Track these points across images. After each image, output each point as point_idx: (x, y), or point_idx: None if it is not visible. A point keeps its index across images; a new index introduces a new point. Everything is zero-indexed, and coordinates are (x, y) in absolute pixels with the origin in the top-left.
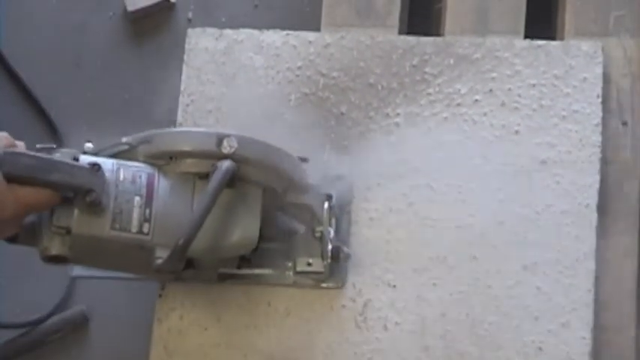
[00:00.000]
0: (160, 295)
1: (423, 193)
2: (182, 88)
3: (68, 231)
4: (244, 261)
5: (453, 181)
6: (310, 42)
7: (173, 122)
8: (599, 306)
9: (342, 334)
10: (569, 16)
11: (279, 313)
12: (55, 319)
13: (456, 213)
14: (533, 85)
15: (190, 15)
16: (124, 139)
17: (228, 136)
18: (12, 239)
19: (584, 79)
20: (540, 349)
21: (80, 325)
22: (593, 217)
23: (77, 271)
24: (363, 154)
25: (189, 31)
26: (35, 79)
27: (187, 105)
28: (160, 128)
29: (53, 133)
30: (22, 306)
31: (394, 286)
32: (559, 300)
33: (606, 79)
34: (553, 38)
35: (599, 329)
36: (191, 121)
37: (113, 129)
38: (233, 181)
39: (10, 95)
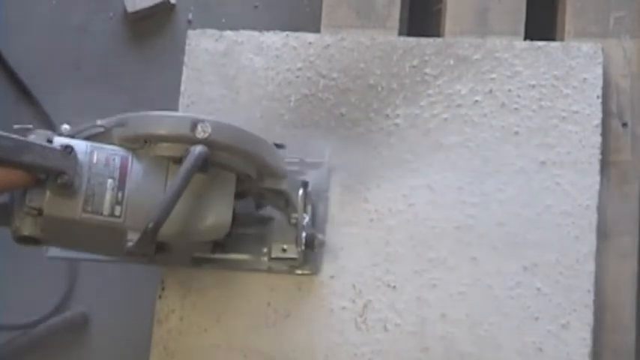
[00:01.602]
0: (160, 297)
1: (423, 194)
2: (182, 89)
3: (40, 212)
4: (218, 246)
5: (452, 183)
6: (310, 43)
7: None
8: (599, 306)
9: (342, 335)
10: (569, 17)
11: (279, 314)
12: (55, 320)
13: (456, 214)
14: (533, 86)
15: (190, 16)
16: (99, 122)
17: (202, 121)
18: None
19: (584, 80)
20: (540, 349)
21: (80, 326)
22: (593, 217)
23: (52, 252)
24: (362, 155)
25: (190, 32)
26: (35, 79)
27: (187, 106)
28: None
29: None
30: (22, 307)
31: (394, 287)
32: (559, 301)
33: (606, 79)
34: (553, 39)
35: (599, 330)
36: None
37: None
38: (206, 165)
39: (10, 95)
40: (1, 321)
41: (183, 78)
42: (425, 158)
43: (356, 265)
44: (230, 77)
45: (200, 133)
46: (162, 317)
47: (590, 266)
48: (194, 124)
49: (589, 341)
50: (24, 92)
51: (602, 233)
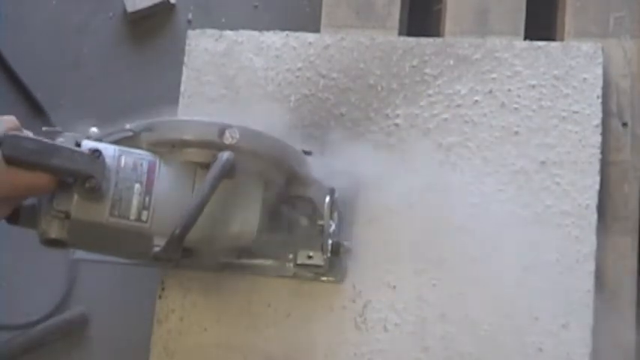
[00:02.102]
0: (160, 297)
1: (423, 194)
2: (182, 89)
3: (67, 215)
4: (244, 251)
5: (452, 183)
6: (310, 43)
7: None
8: (599, 306)
9: (342, 334)
10: (569, 17)
11: (280, 314)
12: (54, 320)
13: (455, 214)
14: (533, 86)
15: (190, 16)
16: (127, 126)
17: (230, 127)
18: (13, 221)
19: (584, 79)
20: (540, 349)
21: (80, 326)
22: (593, 217)
23: (79, 254)
24: (362, 155)
25: (189, 32)
26: (35, 79)
27: (187, 106)
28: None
29: None
30: (22, 307)
31: (394, 286)
32: (559, 301)
33: (606, 79)
34: (553, 39)
35: (599, 329)
36: None
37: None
38: (233, 172)
39: (10, 95)
40: (1, 321)
41: (183, 78)
42: (425, 158)
43: (356, 264)
44: (230, 77)
45: (228, 139)
46: (162, 317)
47: (590, 266)
48: (222, 130)
49: (589, 341)
50: (24, 92)
51: (602, 233)
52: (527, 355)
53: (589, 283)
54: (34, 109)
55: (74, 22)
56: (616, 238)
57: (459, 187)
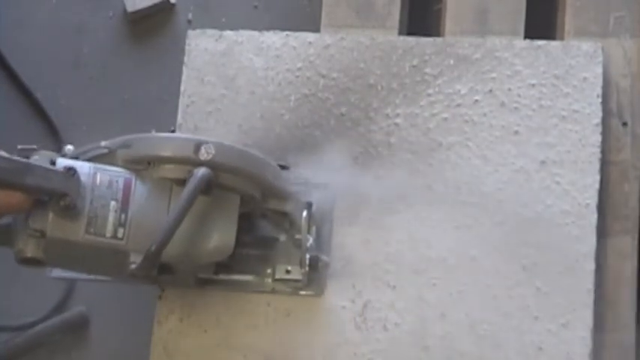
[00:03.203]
0: (160, 298)
1: (423, 193)
2: (182, 89)
3: (43, 234)
4: (222, 267)
5: (452, 182)
6: (310, 43)
7: (173, 123)
8: (599, 306)
9: (342, 334)
10: (569, 16)
11: (279, 314)
12: (54, 320)
13: (455, 213)
14: (533, 86)
15: (190, 16)
16: (102, 143)
17: (206, 142)
18: None
19: (584, 79)
20: (540, 349)
21: (80, 326)
22: (593, 217)
23: (56, 272)
24: (362, 155)
25: (189, 32)
26: (35, 79)
27: (187, 106)
28: (142, 133)
29: (53, 133)
30: (22, 307)
31: (394, 286)
32: (559, 300)
33: (606, 79)
34: (553, 38)
35: (599, 329)
36: (191, 122)
37: (113, 129)
38: (209, 188)
39: (10, 95)
40: (1, 321)
41: (183, 78)
42: (425, 158)
43: (356, 264)
44: (230, 77)
45: (204, 155)
46: (161, 318)
47: (590, 266)
48: (197, 146)
49: (589, 341)
50: (24, 92)
51: (602, 233)
52: (527, 354)
53: (589, 283)
54: (34, 109)
55: (74, 21)
56: (616, 238)
57: (459, 186)
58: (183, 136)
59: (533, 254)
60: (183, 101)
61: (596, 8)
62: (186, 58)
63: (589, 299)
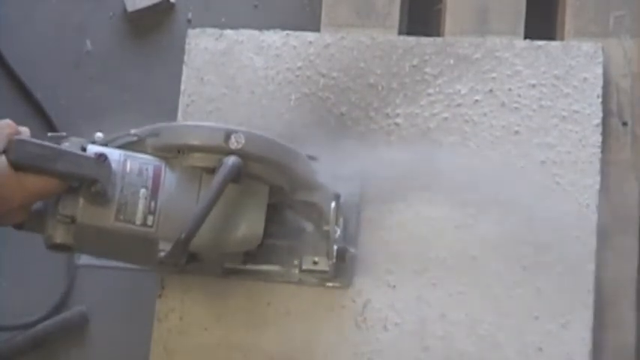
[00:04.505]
0: (160, 296)
1: (423, 193)
2: (182, 88)
3: (73, 220)
4: (250, 256)
5: (452, 182)
6: (310, 42)
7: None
8: (599, 306)
9: (342, 334)
10: (569, 16)
11: (279, 313)
12: (54, 319)
13: (455, 213)
14: (534, 86)
15: (190, 15)
16: (132, 131)
17: (236, 131)
18: (18, 226)
19: (585, 79)
20: (540, 349)
21: (80, 325)
22: (593, 217)
23: (84, 259)
24: (362, 155)
25: (189, 31)
26: (35, 79)
27: (187, 105)
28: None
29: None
30: (22, 307)
31: (394, 286)
32: (559, 300)
33: (606, 79)
34: (553, 38)
35: (599, 329)
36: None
37: (113, 129)
38: (239, 177)
39: (10, 95)
40: (1, 321)
41: (183, 77)
42: (425, 157)
43: (356, 264)
44: (230, 76)
45: (234, 144)
46: (162, 316)
47: (590, 266)
48: (228, 135)
49: (589, 341)
50: (24, 92)
51: (602, 233)
52: (527, 354)
53: (589, 283)
54: (34, 109)
55: (74, 21)
56: (616, 238)
57: (459, 186)
58: (214, 124)
59: (533, 254)
60: (183, 100)
61: (596, 8)
62: (186, 58)
63: (589, 299)
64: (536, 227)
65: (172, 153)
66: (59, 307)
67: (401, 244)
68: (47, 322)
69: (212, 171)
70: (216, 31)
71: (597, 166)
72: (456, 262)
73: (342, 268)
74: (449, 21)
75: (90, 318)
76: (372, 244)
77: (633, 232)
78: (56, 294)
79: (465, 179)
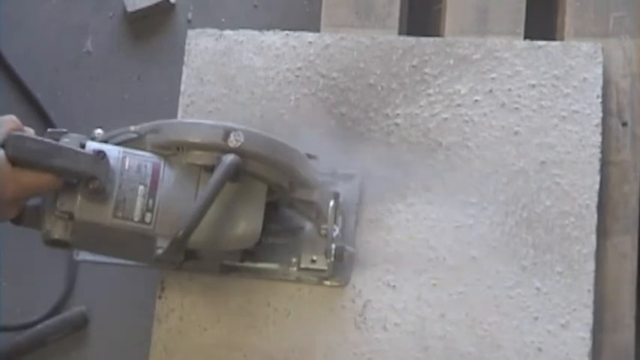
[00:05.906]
0: (160, 296)
1: (423, 193)
2: (182, 88)
3: (71, 216)
4: (248, 254)
5: (452, 182)
6: (310, 43)
7: None
8: (599, 306)
9: (342, 334)
10: (569, 16)
11: (279, 314)
12: (54, 320)
13: (455, 213)
14: (533, 86)
15: (190, 16)
16: (132, 128)
17: (235, 129)
18: (17, 221)
19: (584, 79)
20: (540, 349)
21: (80, 326)
22: (593, 217)
23: (82, 255)
24: (362, 155)
25: (189, 31)
26: (35, 79)
27: (187, 106)
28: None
29: None
30: (22, 307)
31: (394, 286)
32: (559, 300)
33: (606, 79)
34: (553, 39)
35: (598, 329)
36: None
37: (113, 129)
38: (237, 175)
39: (10, 95)
40: (1, 321)
41: (183, 77)
42: (424, 158)
43: (356, 264)
44: (230, 77)
45: (232, 142)
46: (161, 317)
47: (590, 266)
48: (227, 133)
49: (588, 341)
50: (24, 92)
51: (602, 233)
52: (527, 355)
53: (589, 283)
54: (34, 109)
55: (74, 21)
56: (616, 238)
57: (459, 186)
58: (213, 122)
59: (533, 254)
60: (183, 101)
61: (596, 8)
62: (186, 58)
63: (589, 299)
64: (536, 227)
65: (171, 150)
66: (59, 307)
67: (401, 244)
68: (47, 322)
69: (211, 169)
70: (216, 32)
71: (597, 166)
72: (456, 262)
73: (341, 266)
74: (449, 21)
75: (90, 318)
76: (371, 244)
77: (633, 232)
78: (56, 294)
79: (465, 179)
